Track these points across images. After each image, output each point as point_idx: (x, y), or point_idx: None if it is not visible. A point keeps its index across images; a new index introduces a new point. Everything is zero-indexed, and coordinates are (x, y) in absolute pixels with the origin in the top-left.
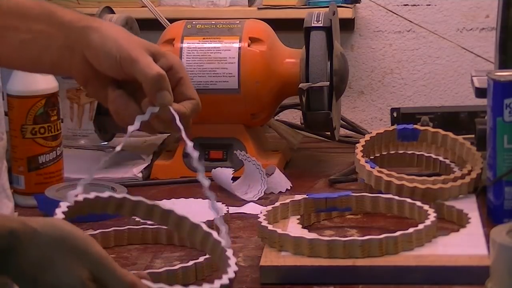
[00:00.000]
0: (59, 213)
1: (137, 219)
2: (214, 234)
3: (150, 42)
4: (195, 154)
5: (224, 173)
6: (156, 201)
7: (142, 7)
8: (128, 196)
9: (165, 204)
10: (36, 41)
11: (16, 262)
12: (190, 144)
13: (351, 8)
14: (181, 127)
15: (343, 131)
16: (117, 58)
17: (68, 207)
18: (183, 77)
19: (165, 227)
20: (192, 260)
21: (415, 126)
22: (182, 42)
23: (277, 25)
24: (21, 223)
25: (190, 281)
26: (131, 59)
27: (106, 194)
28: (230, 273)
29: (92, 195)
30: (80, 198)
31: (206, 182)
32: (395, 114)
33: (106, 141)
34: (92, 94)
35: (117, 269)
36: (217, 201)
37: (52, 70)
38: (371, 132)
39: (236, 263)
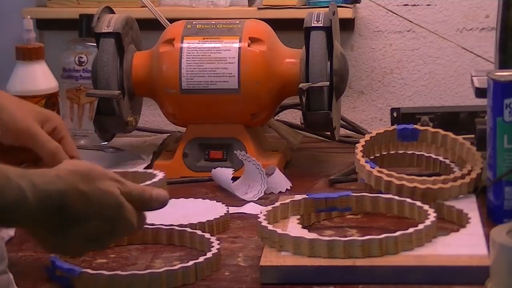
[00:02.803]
0: None
1: None
2: None
3: (36, 106)
4: None
5: (224, 173)
6: None
7: (142, 7)
8: None
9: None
10: None
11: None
12: None
13: (351, 8)
14: None
15: (343, 131)
16: (14, 131)
17: None
18: (64, 136)
19: (165, 227)
20: (192, 260)
21: (415, 126)
22: (182, 42)
23: (277, 25)
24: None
25: (190, 281)
26: (30, 134)
27: None
28: None
29: None
30: None
31: None
32: (395, 114)
33: (106, 141)
34: None
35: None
36: (217, 201)
37: None
38: (371, 132)
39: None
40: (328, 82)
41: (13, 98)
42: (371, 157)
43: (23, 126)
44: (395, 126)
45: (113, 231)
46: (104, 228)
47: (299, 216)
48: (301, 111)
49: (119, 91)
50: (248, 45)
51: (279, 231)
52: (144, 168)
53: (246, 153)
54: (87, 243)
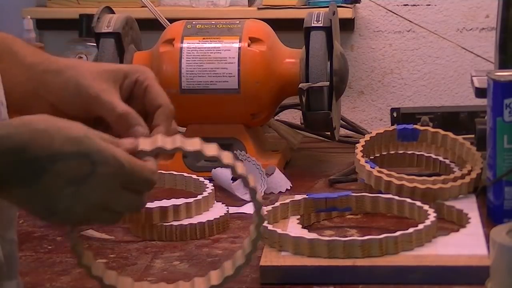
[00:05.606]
0: None
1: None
2: None
3: (113, 65)
4: None
5: (224, 173)
6: None
7: (142, 7)
8: None
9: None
10: None
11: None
12: None
13: (351, 8)
14: None
15: (343, 131)
16: (80, 101)
17: None
18: (148, 85)
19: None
20: (191, 259)
21: (415, 126)
22: (182, 42)
23: (277, 25)
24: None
25: None
26: (94, 100)
27: None
28: None
29: None
30: None
31: None
32: (395, 114)
33: None
34: None
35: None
36: (217, 201)
37: (19, 113)
38: (371, 132)
39: None
40: (328, 82)
41: (89, 65)
42: (371, 157)
43: (87, 95)
44: (395, 126)
45: (96, 169)
46: (83, 165)
47: (299, 216)
48: (301, 111)
49: None
50: (248, 45)
51: (279, 231)
52: None
53: (246, 153)
54: (74, 187)
